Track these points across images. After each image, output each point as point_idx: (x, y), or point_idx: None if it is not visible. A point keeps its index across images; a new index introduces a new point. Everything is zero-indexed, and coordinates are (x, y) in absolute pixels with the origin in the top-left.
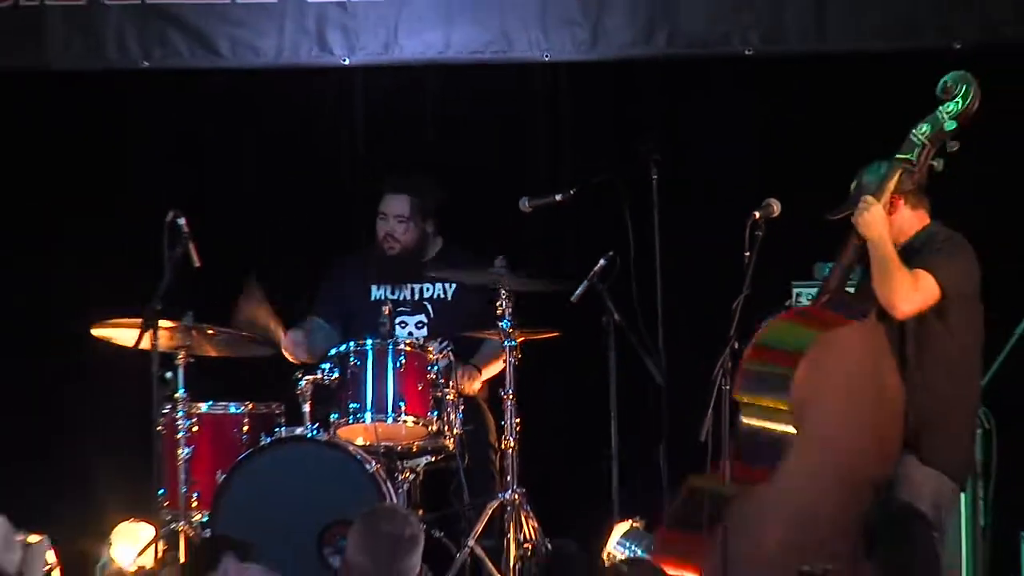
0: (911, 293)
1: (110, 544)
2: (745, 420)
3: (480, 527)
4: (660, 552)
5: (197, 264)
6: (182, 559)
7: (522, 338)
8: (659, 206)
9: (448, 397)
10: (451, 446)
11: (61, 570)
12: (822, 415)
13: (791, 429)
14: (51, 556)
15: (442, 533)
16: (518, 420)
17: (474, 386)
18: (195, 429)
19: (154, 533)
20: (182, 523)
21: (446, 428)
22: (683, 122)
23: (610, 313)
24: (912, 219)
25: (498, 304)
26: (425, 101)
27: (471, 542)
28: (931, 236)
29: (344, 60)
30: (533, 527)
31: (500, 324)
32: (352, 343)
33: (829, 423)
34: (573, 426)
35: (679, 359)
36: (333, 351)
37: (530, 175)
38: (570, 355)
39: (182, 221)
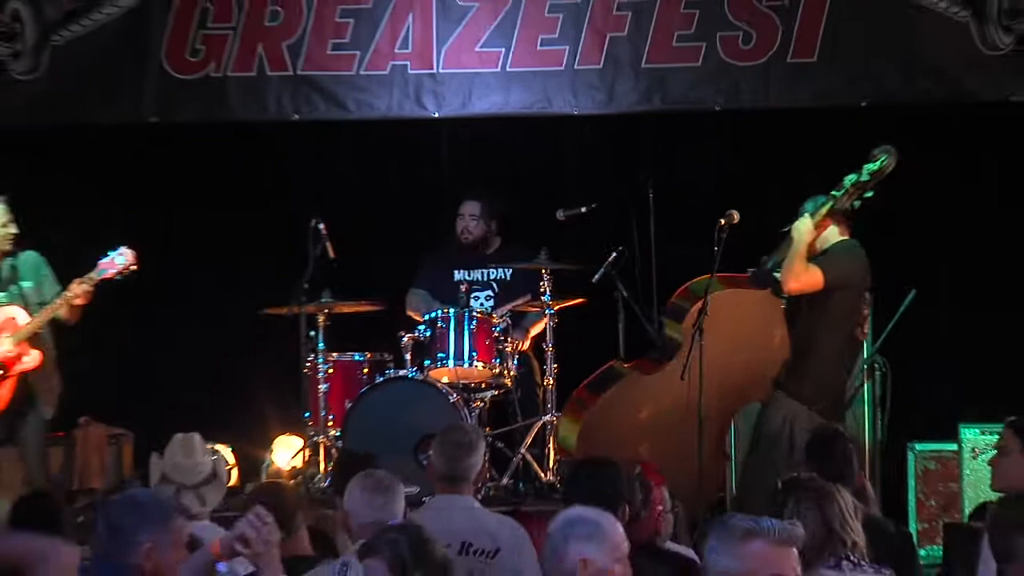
0: (799, 275)
1: (272, 451)
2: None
3: (529, 440)
4: (570, 403)
5: (332, 256)
6: (322, 463)
7: (558, 306)
8: (654, 214)
9: (507, 349)
10: (509, 383)
11: (238, 469)
12: (709, 342)
13: (680, 339)
14: (231, 459)
15: (502, 444)
16: (555, 365)
17: (525, 344)
18: (330, 371)
19: (302, 443)
20: (322, 436)
21: (505, 371)
22: (671, 156)
23: (620, 290)
24: (835, 233)
25: (541, 284)
26: (491, 141)
27: (522, 450)
28: (841, 246)
29: (434, 114)
30: None
31: (543, 297)
32: (439, 311)
33: (713, 349)
34: (593, 364)
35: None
36: (426, 317)
37: (563, 193)
38: (592, 319)
39: (321, 226)
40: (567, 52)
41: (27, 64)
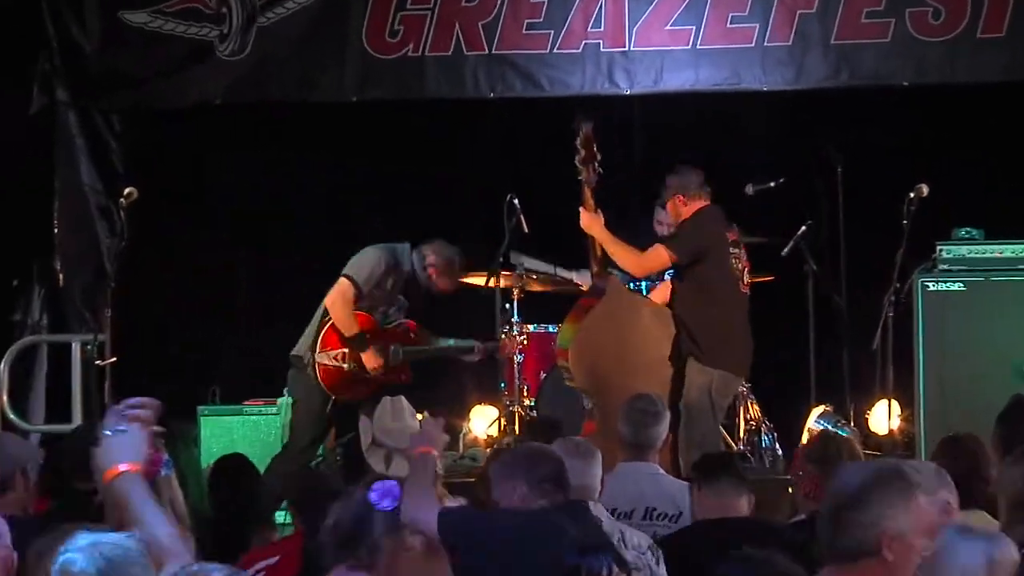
0: (637, 261)
1: (469, 420)
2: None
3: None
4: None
5: (526, 230)
6: (517, 432)
7: (750, 281)
8: (842, 188)
9: None
10: None
11: None
12: (602, 370)
13: (589, 393)
14: None
15: None
16: None
17: None
18: (525, 343)
19: (498, 413)
20: (516, 406)
21: None
22: (859, 130)
23: (809, 264)
24: (688, 209)
25: None
26: (682, 118)
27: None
28: (688, 223)
29: (626, 91)
30: (756, 410)
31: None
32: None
33: (607, 373)
34: (783, 338)
35: (854, 293)
36: None
37: (752, 168)
38: (782, 292)
39: (516, 201)
40: (757, 29)
41: (234, 46)
